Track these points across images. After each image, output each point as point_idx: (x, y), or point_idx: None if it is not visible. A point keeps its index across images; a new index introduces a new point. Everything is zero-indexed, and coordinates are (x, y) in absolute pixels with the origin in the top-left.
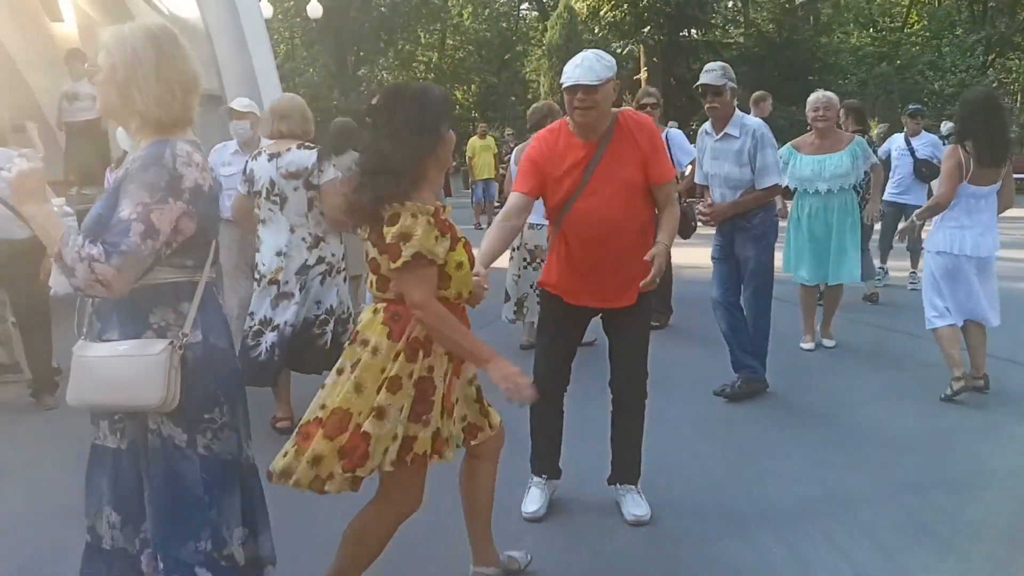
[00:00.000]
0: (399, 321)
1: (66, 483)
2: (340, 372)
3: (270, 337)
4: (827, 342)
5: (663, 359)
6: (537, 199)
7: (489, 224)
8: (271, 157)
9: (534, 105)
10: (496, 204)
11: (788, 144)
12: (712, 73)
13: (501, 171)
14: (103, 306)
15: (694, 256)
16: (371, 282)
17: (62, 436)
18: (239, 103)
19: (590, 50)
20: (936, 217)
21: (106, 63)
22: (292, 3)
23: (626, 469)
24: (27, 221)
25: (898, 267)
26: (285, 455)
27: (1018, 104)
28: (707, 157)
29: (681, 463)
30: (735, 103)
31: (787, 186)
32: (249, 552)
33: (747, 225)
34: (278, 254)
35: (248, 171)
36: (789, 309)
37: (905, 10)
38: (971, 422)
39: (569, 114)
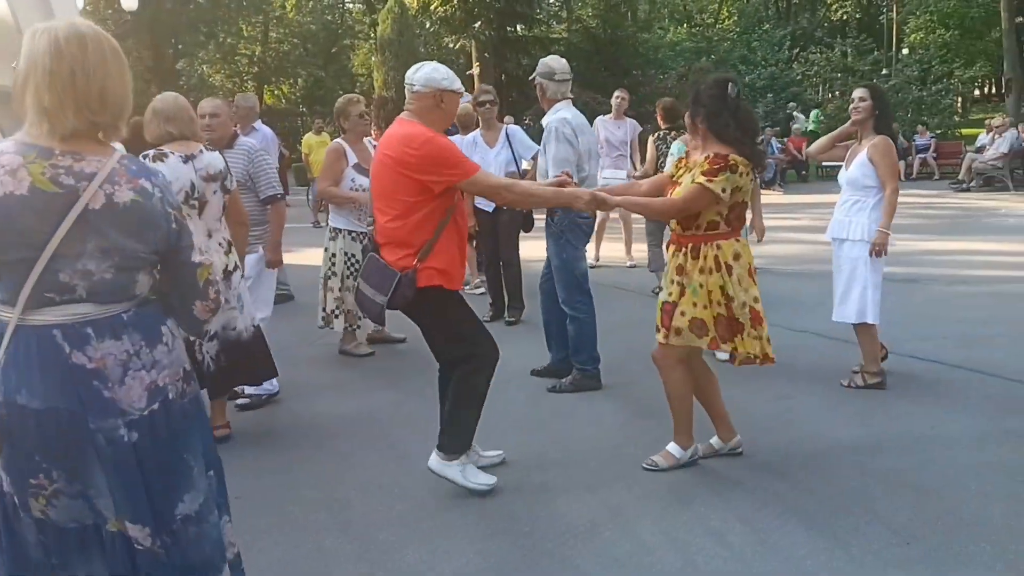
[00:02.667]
0: None
1: None
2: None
3: (209, 347)
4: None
5: (524, 354)
6: None
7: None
8: (186, 159)
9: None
10: None
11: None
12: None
13: None
14: None
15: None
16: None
17: None
18: None
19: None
20: (856, 208)
21: None
22: None
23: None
24: None
25: None
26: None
27: (819, 95)
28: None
29: (556, 456)
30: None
31: None
32: None
33: (549, 222)
34: None
35: None
36: (627, 298)
37: (717, 7)
38: (816, 401)
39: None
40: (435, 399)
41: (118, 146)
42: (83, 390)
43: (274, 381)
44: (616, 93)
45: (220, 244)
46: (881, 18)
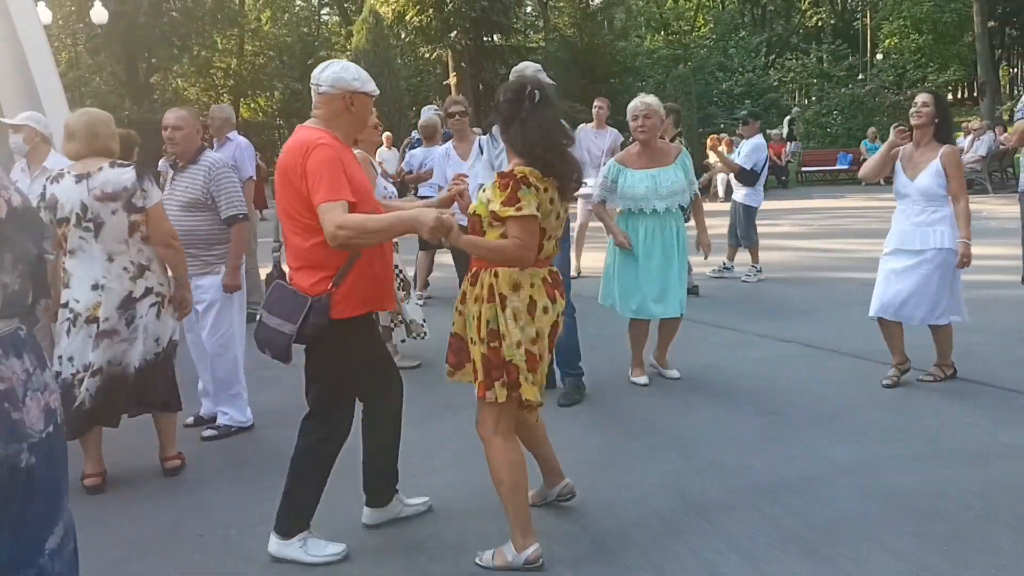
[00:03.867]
0: None
1: None
2: None
3: (91, 383)
4: (670, 372)
5: None
6: None
7: None
8: (79, 179)
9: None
10: None
11: (612, 159)
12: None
13: None
14: None
15: None
16: None
17: None
18: (19, 117)
19: None
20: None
21: None
22: (73, 8)
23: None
24: None
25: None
26: None
27: (795, 100)
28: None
29: (534, 481)
30: None
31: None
32: None
33: None
34: (95, 287)
35: (48, 196)
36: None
37: (692, 14)
38: (806, 416)
39: None
40: (427, 429)
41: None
42: None
43: (248, 412)
44: (596, 102)
45: (125, 268)
46: (855, 24)
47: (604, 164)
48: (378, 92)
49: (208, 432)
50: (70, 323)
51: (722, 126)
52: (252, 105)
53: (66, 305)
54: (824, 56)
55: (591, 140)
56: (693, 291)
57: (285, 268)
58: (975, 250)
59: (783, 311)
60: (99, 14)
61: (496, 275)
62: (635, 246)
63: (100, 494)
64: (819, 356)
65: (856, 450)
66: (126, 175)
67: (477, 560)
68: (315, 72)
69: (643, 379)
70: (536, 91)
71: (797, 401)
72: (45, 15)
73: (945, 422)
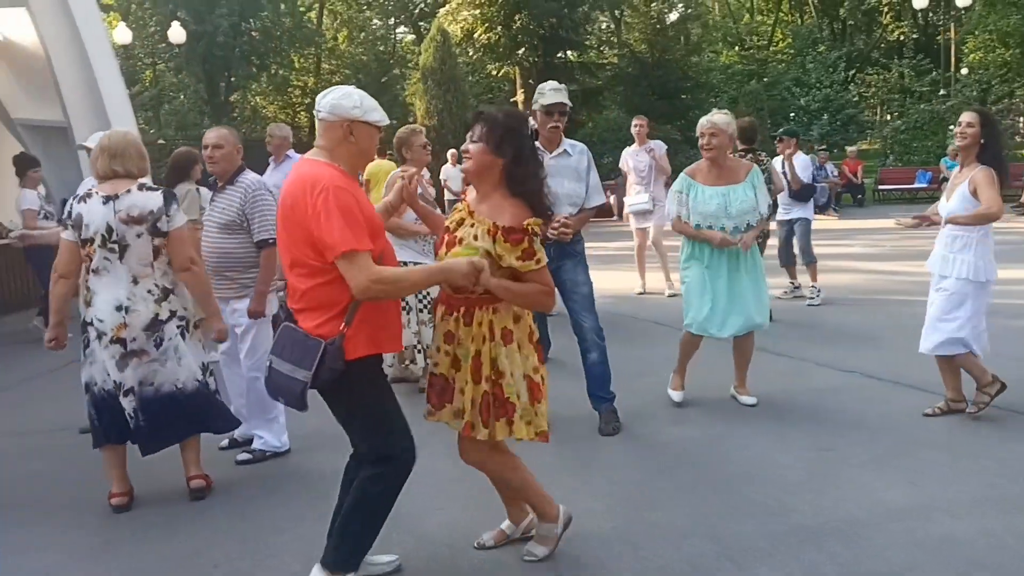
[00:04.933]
0: None
1: None
2: None
3: (127, 403)
4: (746, 399)
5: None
6: None
7: None
8: (106, 200)
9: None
10: None
11: (683, 173)
12: (562, 92)
13: None
14: None
15: None
16: None
17: None
18: (93, 140)
19: None
20: (960, 244)
21: None
22: (156, 28)
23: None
24: None
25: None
26: None
27: (877, 116)
28: None
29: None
30: None
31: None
32: None
33: (574, 250)
34: (119, 308)
35: (75, 215)
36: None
37: (770, 29)
38: (862, 453)
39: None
40: (454, 453)
41: None
42: None
43: (284, 437)
44: (635, 121)
45: (150, 291)
46: (939, 38)
47: (646, 182)
48: (385, 122)
49: (242, 456)
50: (95, 340)
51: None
52: None
53: (90, 323)
54: (906, 71)
55: (634, 158)
56: None
57: None
58: None
59: (847, 338)
60: (177, 34)
61: (495, 311)
62: (700, 264)
63: (126, 512)
64: (881, 388)
65: (910, 492)
66: (152, 199)
67: (525, 558)
68: (319, 97)
69: (678, 395)
70: (534, 130)
71: (853, 437)
72: (126, 35)
73: (1008, 464)
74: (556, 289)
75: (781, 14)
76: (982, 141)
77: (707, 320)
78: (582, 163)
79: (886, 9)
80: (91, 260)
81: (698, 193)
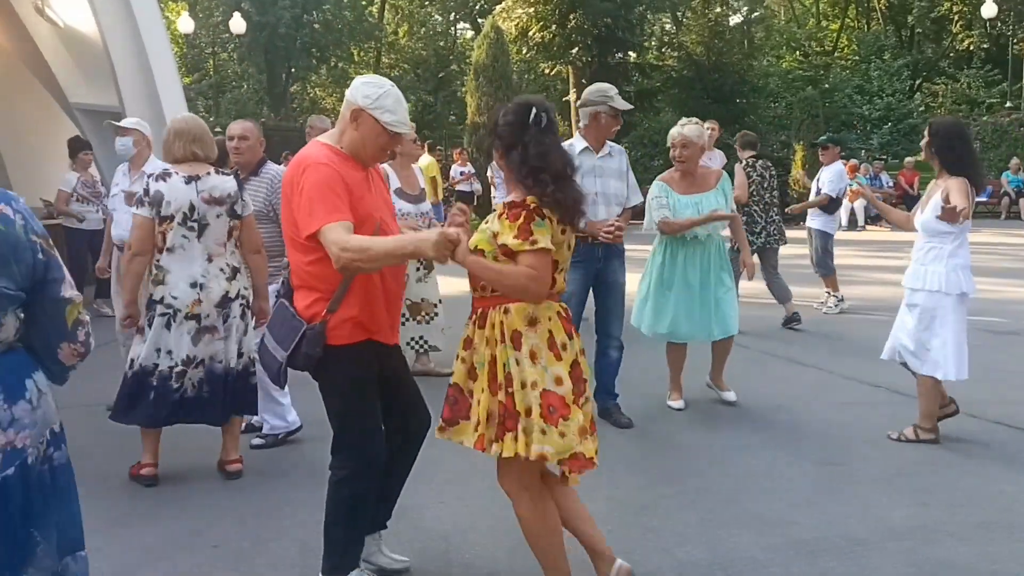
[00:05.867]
0: None
1: None
2: None
3: (195, 374)
4: (727, 395)
5: None
6: None
7: None
8: (189, 180)
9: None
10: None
11: (658, 180)
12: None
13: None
14: None
15: None
16: None
17: None
18: (126, 121)
19: None
20: (932, 256)
21: None
22: (219, 17)
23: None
24: None
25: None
26: None
27: None
28: (585, 176)
29: None
30: None
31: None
32: None
33: (619, 249)
34: (193, 285)
35: (153, 192)
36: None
37: (835, 34)
38: (872, 470)
39: None
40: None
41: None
42: None
43: (289, 416)
44: (707, 124)
45: (222, 269)
46: (1012, 49)
47: None
48: (398, 129)
49: (256, 440)
50: (169, 318)
51: (847, 152)
52: None
53: (162, 301)
54: (972, 82)
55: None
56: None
57: None
58: None
59: (879, 352)
60: (237, 24)
61: (507, 311)
62: (672, 271)
63: (151, 487)
64: (906, 405)
65: (917, 513)
66: (229, 183)
67: None
68: None
69: (679, 404)
70: (543, 114)
71: (866, 453)
72: (188, 24)
73: None
74: (591, 287)
75: (848, 20)
76: (933, 150)
77: (682, 327)
78: (623, 164)
79: (956, 17)
80: (164, 238)
81: (675, 202)
